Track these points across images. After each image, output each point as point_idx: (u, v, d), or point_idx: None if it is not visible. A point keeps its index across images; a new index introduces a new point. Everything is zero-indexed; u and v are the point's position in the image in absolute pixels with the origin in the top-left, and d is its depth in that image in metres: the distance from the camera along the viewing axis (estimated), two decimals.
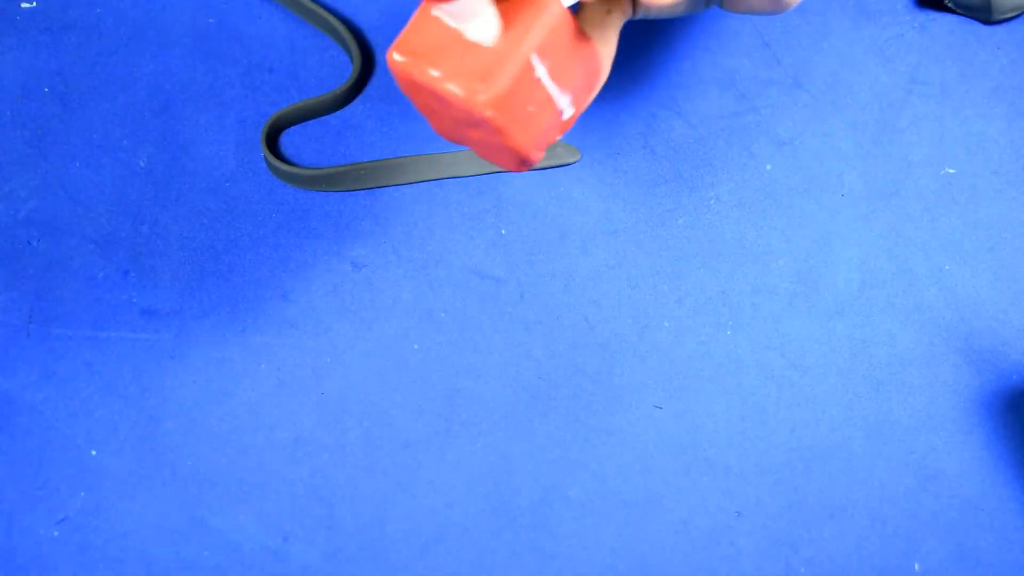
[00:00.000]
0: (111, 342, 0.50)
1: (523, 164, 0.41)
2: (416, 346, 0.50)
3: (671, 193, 0.53)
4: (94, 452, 0.47)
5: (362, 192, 0.53)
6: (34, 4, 0.58)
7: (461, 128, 0.40)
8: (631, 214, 0.53)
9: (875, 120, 0.55)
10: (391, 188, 0.53)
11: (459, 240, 0.52)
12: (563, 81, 0.40)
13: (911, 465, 0.47)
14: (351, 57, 0.55)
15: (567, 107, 0.41)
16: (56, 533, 0.46)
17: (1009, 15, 0.57)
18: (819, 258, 0.52)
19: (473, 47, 0.37)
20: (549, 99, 0.39)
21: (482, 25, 0.37)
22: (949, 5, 0.57)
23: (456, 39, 0.38)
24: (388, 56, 0.39)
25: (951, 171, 0.54)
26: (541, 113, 0.39)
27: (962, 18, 0.58)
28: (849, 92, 0.56)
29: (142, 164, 0.54)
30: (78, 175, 0.54)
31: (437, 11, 0.38)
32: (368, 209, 0.53)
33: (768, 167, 0.54)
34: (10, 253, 0.52)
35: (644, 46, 0.56)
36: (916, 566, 0.45)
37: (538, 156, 0.40)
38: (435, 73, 0.37)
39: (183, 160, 0.54)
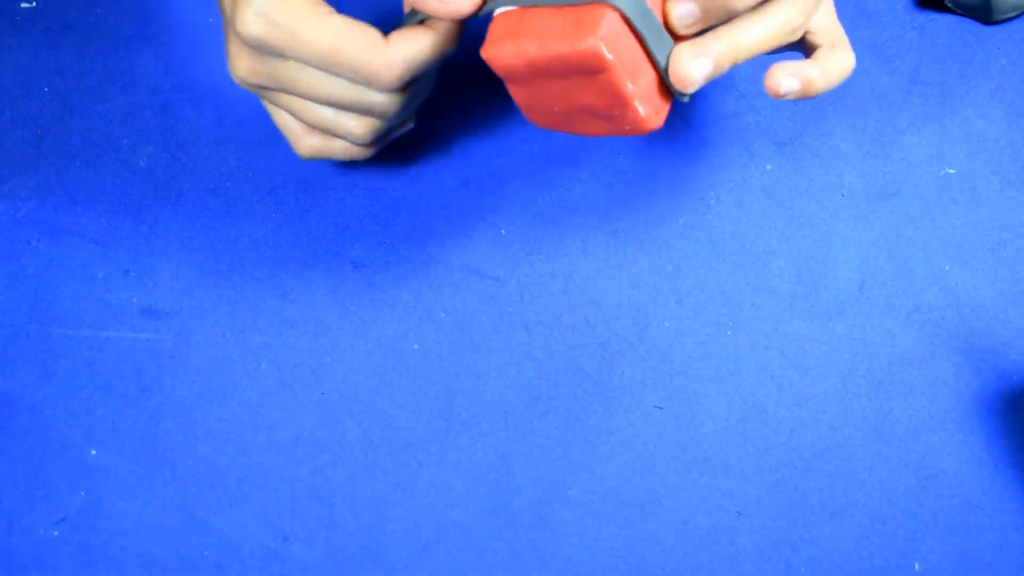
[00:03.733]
0: (111, 342, 0.50)
1: (640, 120, 0.40)
2: (416, 346, 0.50)
3: (671, 193, 0.53)
4: (94, 452, 0.47)
5: (362, 192, 0.53)
6: (34, 4, 0.58)
7: (573, 101, 0.41)
8: (631, 214, 0.53)
9: (875, 120, 0.55)
10: (391, 188, 0.53)
11: (459, 240, 0.52)
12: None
13: (911, 465, 0.47)
14: None
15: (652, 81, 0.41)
16: (56, 533, 0.46)
17: (1009, 15, 0.57)
18: (819, 258, 0.52)
19: (561, 13, 0.39)
20: (643, 58, 0.40)
21: None
22: (949, 5, 0.57)
23: (539, 17, 0.40)
24: (485, 55, 0.40)
25: (951, 171, 0.54)
26: (641, 67, 0.40)
27: (962, 18, 0.58)
28: (849, 92, 0.56)
29: (142, 164, 0.54)
30: (78, 175, 0.54)
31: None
32: (368, 209, 0.53)
33: (768, 167, 0.54)
34: (10, 253, 0.52)
35: None
36: (916, 566, 0.45)
37: (652, 115, 0.40)
38: (533, 46, 0.39)
39: (183, 160, 0.54)
